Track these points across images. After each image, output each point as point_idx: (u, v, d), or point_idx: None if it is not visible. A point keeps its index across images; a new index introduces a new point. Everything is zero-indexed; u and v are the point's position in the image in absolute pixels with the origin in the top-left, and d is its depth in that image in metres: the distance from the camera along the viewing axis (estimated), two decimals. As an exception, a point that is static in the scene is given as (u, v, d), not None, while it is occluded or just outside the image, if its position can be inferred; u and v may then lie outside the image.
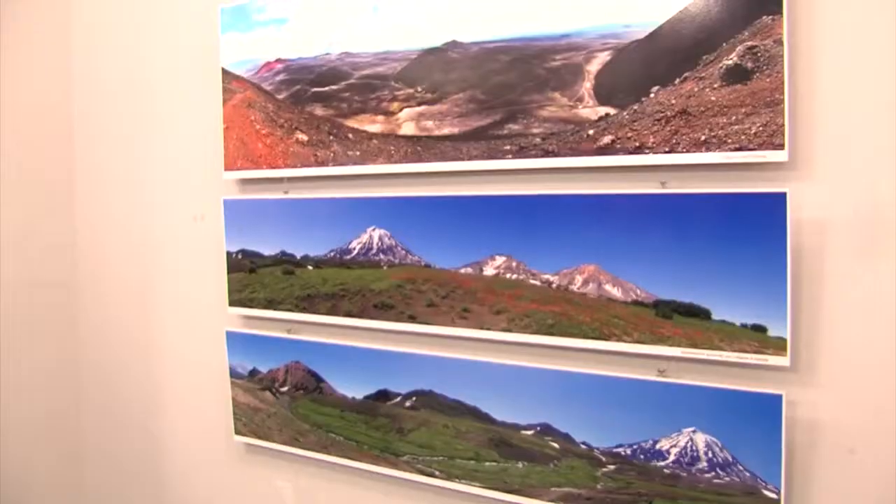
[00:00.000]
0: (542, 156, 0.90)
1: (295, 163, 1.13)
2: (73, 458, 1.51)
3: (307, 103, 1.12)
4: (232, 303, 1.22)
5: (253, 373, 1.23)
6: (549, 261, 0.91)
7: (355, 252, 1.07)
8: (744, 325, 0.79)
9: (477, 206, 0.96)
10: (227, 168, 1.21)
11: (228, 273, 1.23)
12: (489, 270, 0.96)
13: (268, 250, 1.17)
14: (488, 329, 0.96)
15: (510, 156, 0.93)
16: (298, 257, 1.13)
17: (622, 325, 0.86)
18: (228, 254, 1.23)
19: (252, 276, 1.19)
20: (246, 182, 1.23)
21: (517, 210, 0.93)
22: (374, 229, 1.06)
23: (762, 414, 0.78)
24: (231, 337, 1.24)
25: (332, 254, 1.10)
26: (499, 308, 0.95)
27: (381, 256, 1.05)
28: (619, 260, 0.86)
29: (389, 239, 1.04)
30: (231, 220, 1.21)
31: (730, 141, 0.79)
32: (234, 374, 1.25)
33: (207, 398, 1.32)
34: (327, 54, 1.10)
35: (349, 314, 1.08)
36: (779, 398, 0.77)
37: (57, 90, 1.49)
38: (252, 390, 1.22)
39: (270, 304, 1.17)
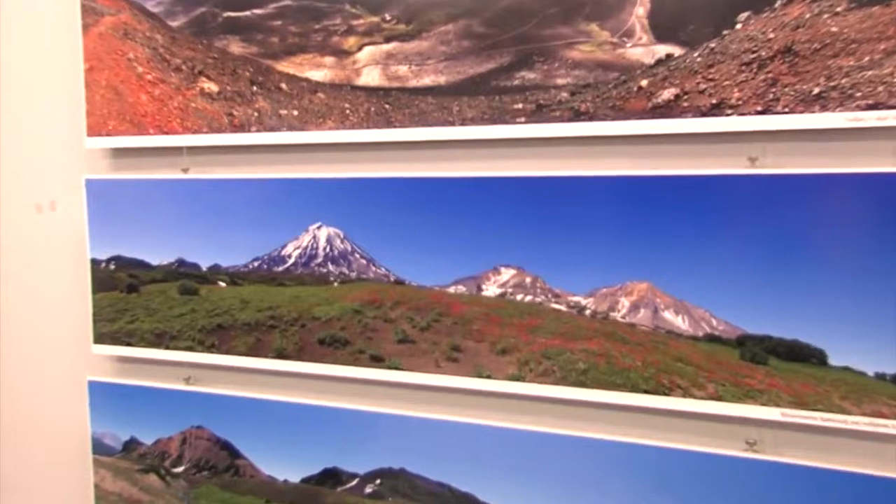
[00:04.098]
0: (571, 119, 0.76)
1: (199, 126, 0.92)
2: None
3: (217, 35, 0.92)
4: (99, 338, 1.00)
5: (130, 445, 1.01)
6: (579, 276, 0.77)
7: (291, 261, 0.91)
8: (880, 376, 0.65)
9: (473, 194, 0.80)
10: (92, 132, 0.99)
11: (94, 293, 1.00)
12: (491, 289, 0.81)
13: (157, 258, 0.97)
14: (489, 377, 0.81)
15: (523, 118, 0.78)
16: (204, 268, 0.95)
17: (690, 373, 0.72)
18: (94, 262, 1.00)
19: (132, 298, 0.98)
20: (122, 153, 1.01)
21: (533, 200, 0.78)
22: (319, 227, 0.89)
23: (913, 512, 0.65)
24: (96, 390, 1.01)
25: (255, 263, 0.92)
26: (505, 345, 0.80)
27: (331, 267, 0.89)
28: (685, 275, 0.71)
29: (342, 242, 0.89)
30: (98, 211, 0.99)
31: (859, 95, 0.64)
32: (99, 447, 1.02)
33: (55, 483, 1.08)
34: (248, -40, 0.91)
35: (281, 354, 0.90)
36: (940, 489, 0.64)
37: None
38: (128, 472, 1.00)
39: (160, 340, 0.96)
